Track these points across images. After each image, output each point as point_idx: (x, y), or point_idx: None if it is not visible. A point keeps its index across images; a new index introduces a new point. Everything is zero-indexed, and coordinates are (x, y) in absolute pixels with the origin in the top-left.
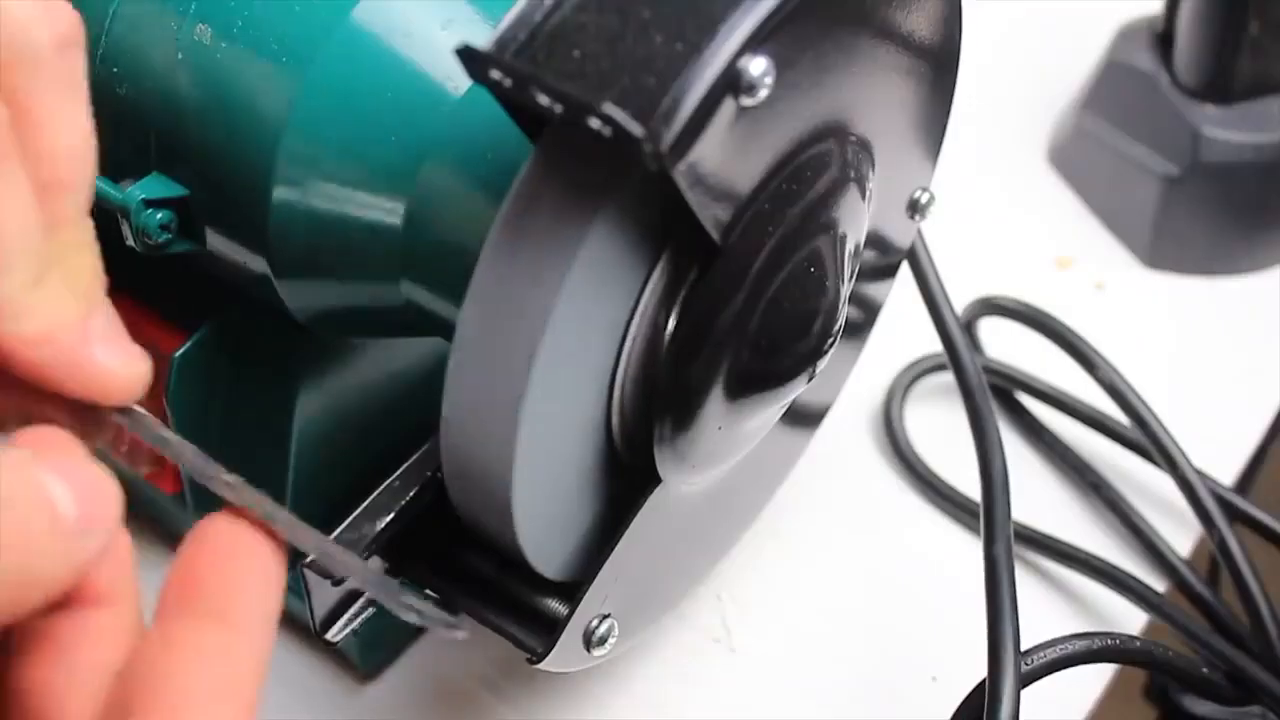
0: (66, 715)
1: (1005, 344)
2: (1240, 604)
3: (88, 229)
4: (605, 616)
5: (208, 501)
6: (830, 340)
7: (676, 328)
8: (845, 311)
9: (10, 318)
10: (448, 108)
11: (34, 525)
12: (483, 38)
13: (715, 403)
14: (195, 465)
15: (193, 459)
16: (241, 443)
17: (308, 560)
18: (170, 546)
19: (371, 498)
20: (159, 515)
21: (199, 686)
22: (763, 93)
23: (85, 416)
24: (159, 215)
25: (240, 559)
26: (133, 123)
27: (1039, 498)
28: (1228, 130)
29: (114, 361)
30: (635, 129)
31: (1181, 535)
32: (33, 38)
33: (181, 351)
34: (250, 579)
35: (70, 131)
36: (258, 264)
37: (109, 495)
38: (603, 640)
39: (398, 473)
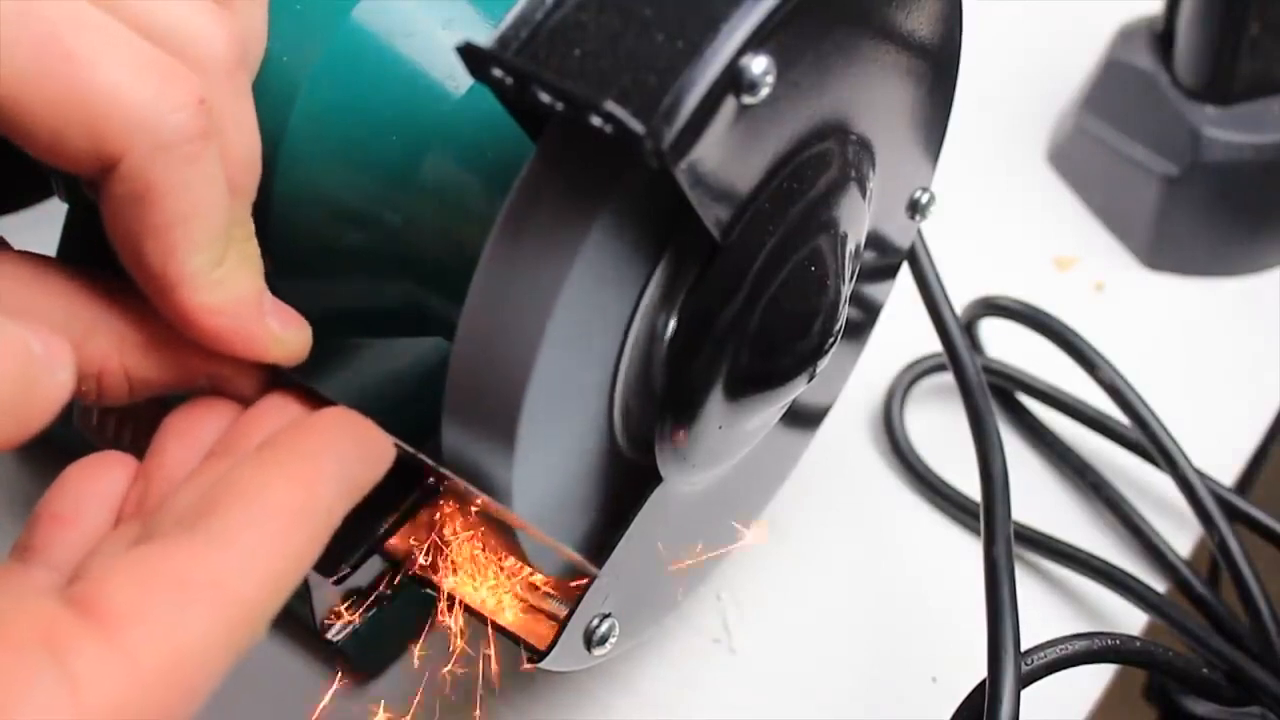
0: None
1: (1005, 344)
2: (1240, 604)
3: (251, 226)
4: (606, 616)
5: None
6: (830, 340)
7: (677, 327)
8: (845, 311)
9: (198, 290)
10: (448, 107)
11: (17, 359)
12: (484, 37)
13: (716, 402)
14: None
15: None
16: None
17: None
18: None
19: (373, 496)
20: None
21: (282, 505)
22: (764, 91)
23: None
24: None
25: (348, 430)
26: None
27: (1039, 498)
28: (1228, 130)
29: (283, 329)
30: (636, 127)
31: (1181, 535)
32: (218, 52)
33: None
34: (351, 447)
35: (246, 140)
36: None
37: (63, 343)
38: (603, 640)
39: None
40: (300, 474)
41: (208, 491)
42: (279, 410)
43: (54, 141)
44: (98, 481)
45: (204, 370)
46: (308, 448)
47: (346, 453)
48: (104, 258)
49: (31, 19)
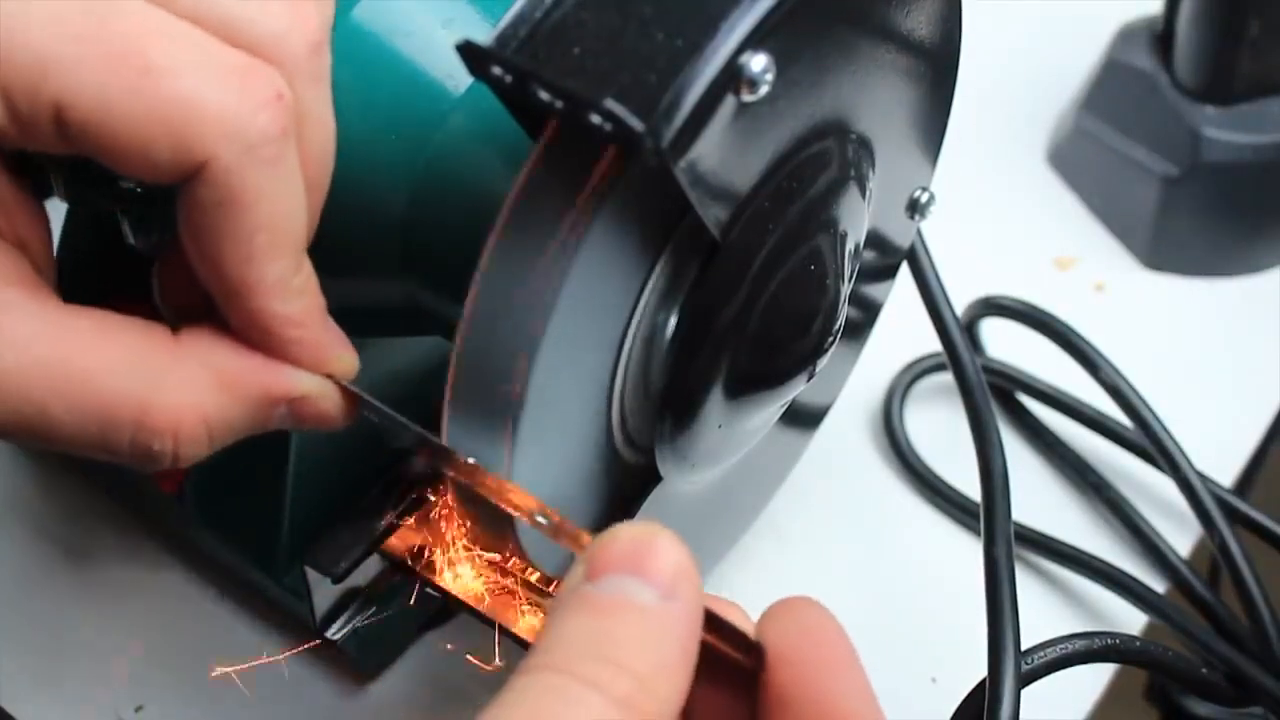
0: None
1: (1005, 344)
2: (1240, 606)
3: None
4: None
5: (207, 501)
6: (830, 339)
7: (677, 326)
8: (845, 310)
9: (277, 298)
10: (448, 106)
11: None
12: (483, 35)
13: (715, 401)
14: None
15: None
16: (242, 441)
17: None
18: (169, 546)
19: (372, 496)
20: (159, 514)
21: None
22: (763, 89)
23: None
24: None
25: None
26: None
27: (1039, 498)
28: (1228, 130)
29: (341, 346)
30: (636, 125)
31: (1182, 536)
32: (295, 41)
33: None
34: None
35: (323, 134)
36: None
37: None
38: None
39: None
40: None
41: None
42: None
43: (140, 156)
44: None
45: (284, 395)
46: None
47: None
48: (104, 258)
49: (107, 35)
